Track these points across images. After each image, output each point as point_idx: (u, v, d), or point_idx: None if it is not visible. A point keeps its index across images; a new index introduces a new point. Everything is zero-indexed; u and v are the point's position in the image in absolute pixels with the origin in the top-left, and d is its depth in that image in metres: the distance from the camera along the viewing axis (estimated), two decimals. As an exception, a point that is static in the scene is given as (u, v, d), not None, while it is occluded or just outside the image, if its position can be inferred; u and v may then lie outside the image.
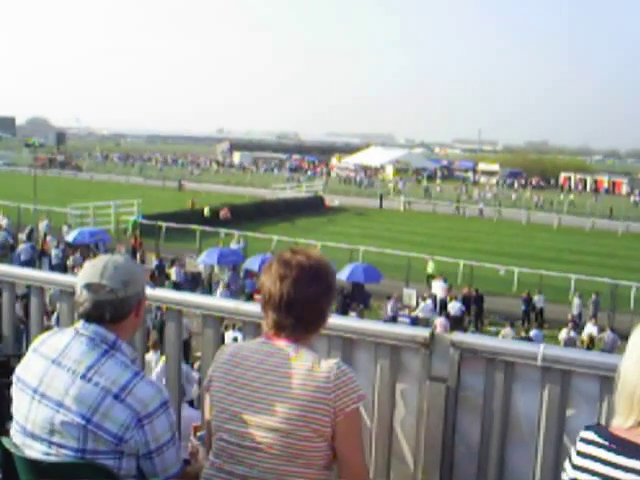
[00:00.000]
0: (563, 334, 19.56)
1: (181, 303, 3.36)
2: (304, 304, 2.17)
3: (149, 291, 2.75)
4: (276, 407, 2.09)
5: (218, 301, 3.48)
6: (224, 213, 41.12)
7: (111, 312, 2.14)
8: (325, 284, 2.23)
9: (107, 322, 2.14)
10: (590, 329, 20.27)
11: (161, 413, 2.06)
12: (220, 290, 21.26)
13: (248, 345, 2.30)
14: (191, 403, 9.46)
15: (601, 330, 20.23)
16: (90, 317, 2.14)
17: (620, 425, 1.75)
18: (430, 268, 27.48)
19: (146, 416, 2.03)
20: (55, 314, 10.76)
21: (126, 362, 2.11)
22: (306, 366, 2.12)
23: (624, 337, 18.84)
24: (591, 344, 19.48)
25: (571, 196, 70.14)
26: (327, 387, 2.08)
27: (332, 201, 56.26)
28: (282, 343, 2.19)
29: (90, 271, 2.17)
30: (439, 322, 19.79)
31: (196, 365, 11.53)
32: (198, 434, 2.64)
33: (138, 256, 26.52)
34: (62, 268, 23.38)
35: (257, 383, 2.15)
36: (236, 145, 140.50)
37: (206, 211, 41.05)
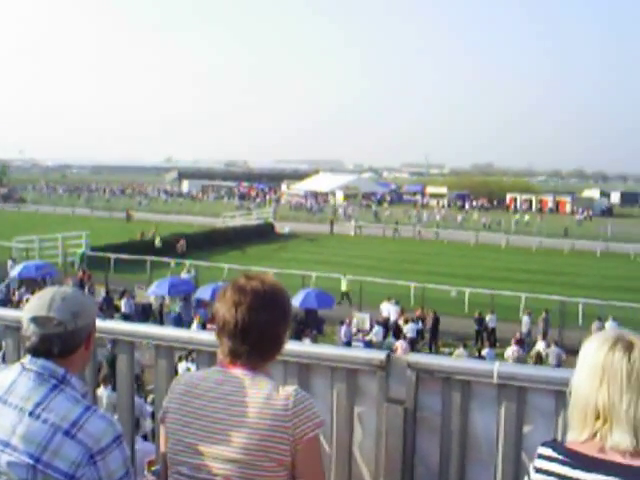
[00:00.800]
0: (508, 352, 19.82)
1: (133, 334, 3.29)
2: (260, 330, 2.13)
3: (100, 323, 2.69)
4: (234, 437, 2.05)
5: (171, 331, 3.41)
6: (180, 245, 40.30)
7: (60, 346, 2.07)
8: (281, 310, 2.20)
9: (56, 356, 2.06)
10: (539, 346, 20.62)
11: (114, 448, 1.99)
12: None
13: (203, 374, 2.24)
14: (145, 437, 9.28)
15: (548, 346, 20.63)
16: (38, 351, 2.06)
17: (575, 439, 1.77)
18: (343, 286, 28.14)
19: (98, 452, 1.96)
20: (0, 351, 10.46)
21: (76, 397, 2.04)
22: (263, 394, 2.08)
23: (574, 352, 19.22)
24: (539, 360, 19.79)
25: (526, 217, 71.68)
26: (286, 415, 2.04)
27: (282, 228, 56.26)
28: (238, 371, 2.14)
29: (37, 304, 2.10)
30: (399, 345, 19.87)
31: (149, 398, 11.33)
32: (152, 468, 2.56)
33: (86, 289, 26.02)
34: (7, 303, 22.77)
35: (213, 413, 2.10)
36: (184, 174, 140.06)
37: (157, 242, 40.38)
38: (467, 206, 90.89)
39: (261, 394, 2.08)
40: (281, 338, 2.22)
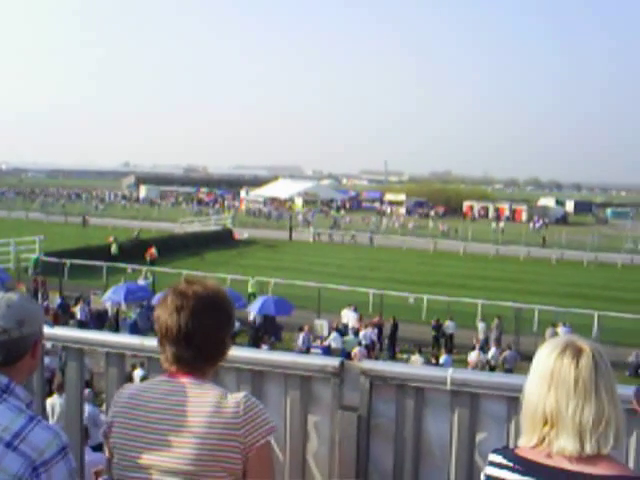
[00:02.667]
0: (472, 356, 20.10)
1: (82, 341, 3.22)
2: (204, 335, 2.08)
3: (48, 330, 2.61)
4: (183, 448, 1.99)
5: (122, 338, 3.35)
6: (151, 253, 38.72)
7: (4, 354, 2.00)
8: (224, 314, 2.16)
9: (-1, 364, 2.00)
10: (493, 352, 20.95)
11: (59, 460, 1.92)
12: None
13: (149, 385, 2.18)
14: (100, 446, 9.11)
15: (502, 351, 20.97)
16: (-20, 360, 2.00)
17: (525, 444, 1.78)
18: (250, 287, 28.48)
19: (42, 464, 1.88)
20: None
21: (20, 407, 1.97)
22: (212, 402, 2.03)
23: (529, 358, 19.54)
24: (493, 367, 20.13)
25: (501, 224, 72.65)
26: (236, 422, 2.00)
27: (241, 234, 56.05)
28: (185, 379, 2.09)
29: (-19, 311, 2.03)
30: (357, 351, 19.93)
31: (104, 407, 11.13)
32: (100, 478, 2.50)
33: (40, 295, 25.53)
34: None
35: (160, 424, 2.04)
36: (142, 179, 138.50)
37: (113, 248, 39.33)
38: (431, 213, 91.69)
39: (209, 402, 2.03)
40: (225, 342, 2.18)
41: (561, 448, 1.70)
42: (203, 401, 2.04)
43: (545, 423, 1.74)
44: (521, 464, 1.75)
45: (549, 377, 1.74)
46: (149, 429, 2.05)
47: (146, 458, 2.04)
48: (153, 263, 36.01)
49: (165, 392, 2.09)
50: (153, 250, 38.88)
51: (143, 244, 41.58)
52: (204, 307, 2.10)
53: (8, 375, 2.01)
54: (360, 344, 21.30)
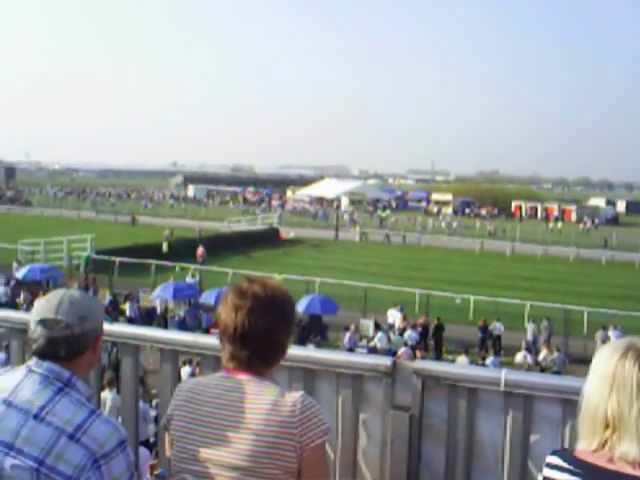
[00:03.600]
0: (519, 358, 19.85)
1: (138, 338, 3.28)
2: (259, 335, 2.11)
3: (106, 326, 2.68)
4: (239, 444, 2.02)
5: (175, 335, 3.39)
6: (201, 252, 39.68)
7: (66, 348, 2.06)
8: (281, 314, 2.17)
9: (62, 359, 2.05)
10: (544, 354, 20.63)
11: (119, 453, 1.98)
12: None
13: (208, 380, 2.22)
14: (147, 442, 9.25)
15: (550, 354, 20.65)
16: (44, 354, 2.05)
17: (585, 448, 1.75)
18: None
19: (103, 456, 1.94)
20: (4, 353, 10.45)
21: (81, 400, 2.03)
22: (269, 400, 2.05)
23: (578, 361, 19.23)
24: (543, 369, 19.81)
25: (559, 224, 71.80)
26: (292, 422, 2.02)
27: (288, 233, 56.25)
28: (243, 377, 2.12)
29: (45, 306, 2.09)
30: (403, 351, 19.86)
31: (154, 402, 11.31)
32: (155, 472, 2.55)
33: (91, 292, 26.04)
34: (11, 306, 22.78)
35: (218, 419, 2.08)
36: (190, 178, 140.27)
37: (164, 247, 40.01)
38: (476, 214, 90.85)
39: (267, 400, 2.05)
40: (282, 343, 2.20)
41: (624, 453, 1.67)
42: (260, 398, 2.06)
43: (606, 427, 1.71)
44: (581, 467, 1.72)
45: (611, 379, 1.71)
46: (207, 423, 2.09)
47: (203, 451, 2.08)
48: (203, 262, 36.56)
49: (223, 388, 2.13)
50: (201, 250, 39.47)
51: (191, 242, 42.18)
52: (261, 307, 2.12)
53: (70, 369, 2.07)
54: (406, 344, 21.20)
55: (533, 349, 21.82)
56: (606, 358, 1.76)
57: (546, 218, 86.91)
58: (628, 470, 1.66)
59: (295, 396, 2.08)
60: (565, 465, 1.75)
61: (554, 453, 1.82)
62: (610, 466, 1.68)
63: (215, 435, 2.07)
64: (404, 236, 57.60)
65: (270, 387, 2.10)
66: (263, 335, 2.11)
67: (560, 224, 73.16)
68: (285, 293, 2.23)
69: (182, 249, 40.10)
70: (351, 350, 20.10)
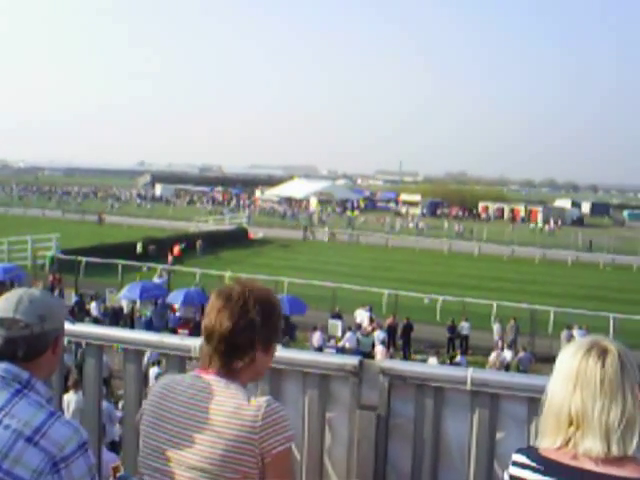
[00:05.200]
0: (492, 357, 20.06)
1: (102, 338, 3.22)
2: (237, 337, 2.08)
3: (68, 326, 2.62)
4: (199, 445, 1.99)
5: (140, 335, 3.35)
6: (177, 250, 39.89)
7: (25, 349, 2.00)
8: (260, 316, 2.12)
9: (20, 360, 2.00)
10: (506, 354, 20.86)
11: (79, 456, 1.92)
12: None
13: (180, 378, 2.20)
14: (113, 443, 9.14)
15: (516, 354, 20.89)
16: (1, 354, 1.99)
17: (549, 446, 1.76)
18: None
19: (62, 459, 1.88)
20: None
21: (40, 402, 1.97)
22: (234, 403, 2.02)
23: (544, 360, 19.45)
24: (507, 368, 20.04)
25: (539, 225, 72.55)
26: (254, 426, 1.98)
27: (256, 233, 56.12)
28: (211, 377, 2.09)
29: (3, 305, 2.03)
30: (379, 350, 19.92)
31: (120, 404, 11.18)
32: (118, 474, 2.50)
33: (56, 292, 25.68)
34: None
35: (182, 418, 2.06)
36: (158, 178, 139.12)
37: (138, 247, 39.56)
38: (446, 214, 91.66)
39: (231, 403, 2.02)
40: (261, 346, 2.15)
41: (587, 449, 1.68)
42: (226, 401, 2.03)
43: (570, 424, 1.72)
44: (546, 465, 1.73)
45: (574, 377, 1.72)
46: (172, 421, 2.07)
47: (165, 449, 2.06)
48: (177, 260, 36.78)
49: (192, 387, 2.11)
50: (178, 248, 39.87)
51: (165, 243, 42.11)
52: (239, 309, 2.09)
53: (29, 370, 2.01)
54: (374, 345, 21.26)
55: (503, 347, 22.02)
56: (570, 356, 1.76)
57: (513, 219, 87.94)
58: (591, 467, 1.67)
59: (260, 401, 2.03)
60: (530, 463, 1.76)
61: (520, 451, 1.83)
62: (574, 463, 1.69)
63: (177, 434, 2.05)
64: (372, 237, 57.78)
65: (236, 390, 2.07)
66: (240, 337, 2.09)
67: (542, 226, 74.20)
68: (268, 295, 2.19)
69: (156, 249, 39.83)
70: (319, 350, 20.11)
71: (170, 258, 37.44)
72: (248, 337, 2.12)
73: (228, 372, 2.10)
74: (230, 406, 2.02)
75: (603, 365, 1.71)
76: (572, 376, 1.73)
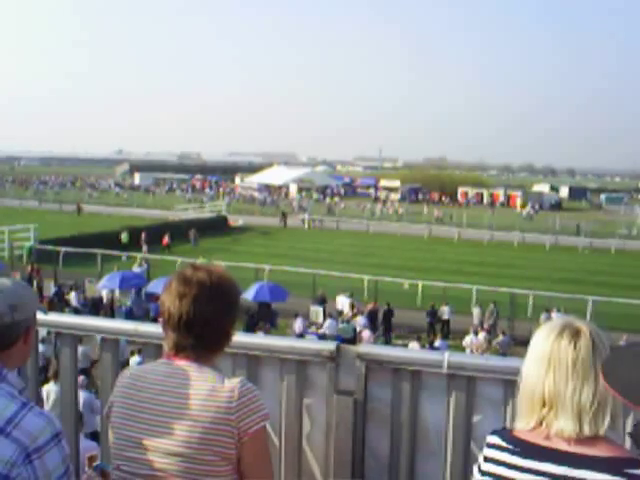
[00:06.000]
0: (467, 341, 20.23)
1: (76, 327, 3.20)
2: (204, 323, 2.07)
3: (42, 316, 2.58)
4: (176, 430, 2.00)
5: (116, 323, 3.32)
6: (166, 239, 39.89)
7: (-5, 339, 1.98)
8: (227, 302, 2.13)
9: (-9, 350, 1.98)
10: (482, 336, 21.06)
11: (52, 446, 1.90)
12: None
13: (149, 367, 2.19)
14: (94, 433, 9.10)
15: (496, 336, 21.07)
16: (-29, 345, 1.97)
17: (523, 427, 1.77)
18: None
19: (35, 450, 1.86)
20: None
21: (12, 393, 1.95)
22: (208, 386, 2.03)
23: (523, 343, 19.63)
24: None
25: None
26: (229, 407, 1.99)
27: (236, 221, 55.97)
28: (182, 363, 2.09)
29: (-27, 295, 2.00)
30: (365, 335, 19.99)
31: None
32: (94, 464, 2.49)
33: (35, 283, 25.48)
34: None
35: (156, 406, 2.05)
36: (136, 166, 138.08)
37: (123, 237, 39.17)
38: (420, 199, 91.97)
39: (205, 386, 2.03)
40: (227, 331, 2.16)
41: (560, 429, 1.70)
42: (199, 384, 2.04)
43: (543, 405, 1.73)
44: (519, 446, 1.74)
45: (547, 359, 1.73)
46: (145, 409, 2.07)
47: (141, 438, 2.05)
48: (168, 249, 37.30)
49: (163, 374, 2.10)
50: (167, 238, 40.12)
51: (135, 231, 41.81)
52: (206, 294, 2.08)
53: (0, 361, 1.99)
54: (355, 330, 21.33)
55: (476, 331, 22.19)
56: (543, 338, 1.77)
57: (492, 204, 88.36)
58: (564, 446, 1.69)
59: (233, 382, 2.05)
60: (504, 444, 1.77)
61: (494, 433, 1.84)
62: (546, 443, 1.71)
63: (153, 421, 2.04)
64: (351, 223, 57.82)
65: (210, 374, 2.07)
66: (208, 323, 2.08)
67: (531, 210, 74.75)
68: (230, 279, 2.19)
69: (137, 239, 39.44)
70: (301, 337, 20.15)
71: (145, 247, 37.28)
72: (222, 323, 2.13)
73: (199, 356, 2.09)
74: (204, 389, 2.02)
75: (575, 346, 1.72)
76: (545, 357, 1.74)
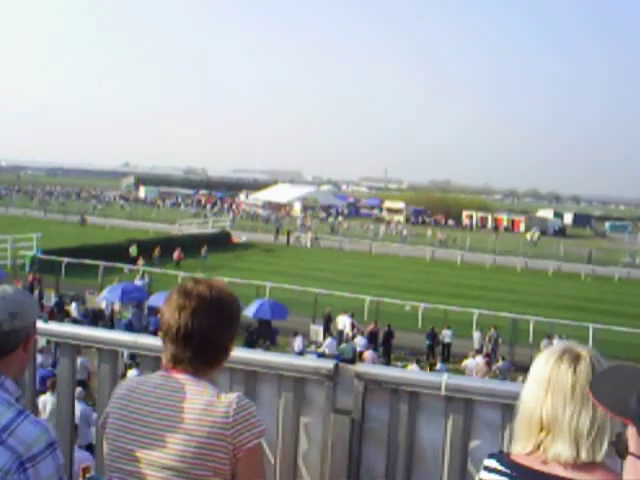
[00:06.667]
0: (466, 363, 20.20)
1: (75, 337, 3.19)
2: (203, 337, 2.06)
3: (42, 325, 2.58)
4: (170, 444, 1.98)
5: (115, 335, 3.32)
6: (178, 254, 39.97)
7: (-6, 346, 1.98)
8: (226, 316, 2.12)
9: (-11, 357, 1.97)
10: (478, 360, 20.96)
11: (47, 455, 1.89)
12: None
13: (146, 379, 2.18)
14: (90, 446, 9.05)
15: (496, 361, 20.98)
16: (-30, 352, 1.97)
17: (520, 451, 1.77)
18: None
19: (29, 459, 1.85)
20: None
21: (9, 400, 1.94)
22: (204, 400, 2.02)
23: (524, 369, 19.55)
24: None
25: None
26: (226, 423, 1.98)
27: (239, 237, 55.98)
28: (180, 376, 2.08)
29: (-27, 303, 2.00)
30: (368, 354, 19.92)
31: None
32: (87, 475, 2.48)
33: (36, 292, 25.47)
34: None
35: (152, 419, 2.04)
36: (142, 180, 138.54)
37: (132, 250, 38.75)
38: (425, 221, 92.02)
39: (201, 400, 2.02)
40: (226, 345, 2.15)
41: (557, 454, 1.69)
42: (196, 398, 2.03)
43: (541, 429, 1.72)
44: (516, 470, 1.73)
45: (546, 383, 1.73)
46: (141, 422, 2.05)
47: (136, 450, 2.03)
48: (178, 264, 37.66)
49: (160, 387, 2.09)
50: (178, 252, 40.25)
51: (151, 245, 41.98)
52: (206, 308, 2.07)
53: (-2, 368, 1.99)
54: (355, 351, 21.26)
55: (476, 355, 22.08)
56: (543, 362, 1.77)
57: (496, 228, 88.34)
58: (560, 472, 1.68)
59: (231, 397, 2.04)
60: (501, 468, 1.76)
61: (491, 456, 1.83)
62: (543, 468, 1.70)
63: (147, 434, 2.03)
64: (354, 243, 57.80)
65: (207, 388, 2.06)
66: (207, 336, 2.07)
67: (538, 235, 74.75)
68: (231, 294, 2.18)
69: (146, 252, 39.33)
70: (300, 355, 20.08)
71: (141, 260, 37.13)
72: (220, 337, 2.12)
73: (196, 370, 2.09)
74: (201, 403, 2.01)
75: (575, 371, 1.71)
76: (544, 381, 1.73)
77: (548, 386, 1.72)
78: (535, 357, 1.85)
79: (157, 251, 39.71)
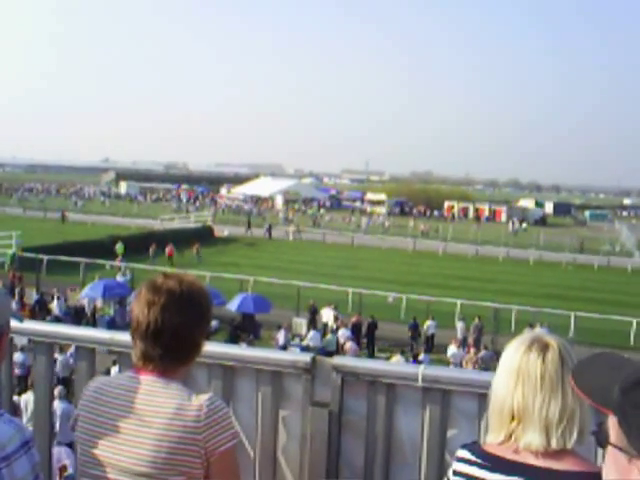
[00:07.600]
0: (452, 351, 20.32)
1: (51, 335, 3.17)
2: (172, 333, 2.00)
3: (17, 324, 2.56)
4: (140, 449, 1.93)
5: (92, 332, 3.29)
6: (169, 249, 39.69)
7: (-33, 346, 1.96)
8: (197, 311, 2.06)
9: (-38, 357, 1.96)
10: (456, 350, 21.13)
11: (22, 454, 1.87)
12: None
13: (115, 380, 2.12)
14: (72, 444, 9.00)
15: (478, 350, 21.13)
16: (-58, 352, 1.95)
17: (493, 441, 1.78)
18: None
19: (4, 458, 1.83)
20: None
21: (-18, 400, 1.94)
22: (175, 404, 1.96)
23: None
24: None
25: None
26: (197, 427, 1.93)
27: (221, 231, 55.82)
28: (150, 378, 2.02)
29: (-56, 301, 1.99)
30: (349, 346, 19.96)
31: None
32: (65, 474, 2.46)
33: (17, 291, 25.28)
34: None
35: (120, 422, 1.98)
36: (122, 175, 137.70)
37: (118, 247, 38.09)
38: (406, 212, 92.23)
39: (172, 404, 1.96)
40: (197, 341, 2.09)
41: (527, 443, 1.70)
42: (166, 401, 1.97)
43: (512, 418, 1.74)
44: (488, 460, 1.75)
45: (516, 373, 1.74)
46: (109, 425, 2.00)
47: (104, 455, 1.99)
48: (170, 259, 37.81)
49: (129, 389, 2.03)
50: (169, 248, 39.96)
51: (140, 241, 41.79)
52: (175, 304, 2.02)
53: (-30, 368, 1.97)
54: (338, 343, 21.31)
55: (464, 345, 22.24)
56: (512, 352, 1.79)
57: (477, 218, 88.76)
58: (531, 460, 1.70)
59: (201, 399, 1.98)
60: (473, 458, 1.78)
61: (464, 447, 1.84)
62: (515, 457, 1.71)
63: (116, 439, 1.98)
64: (336, 235, 57.83)
65: (177, 390, 2.00)
66: (177, 332, 2.01)
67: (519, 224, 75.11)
68: (201, 289, 2.13)
69: (132, 248, 39.03)
70: (284, 348, 20.09)
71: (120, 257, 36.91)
72: (191, 333, 2.07)
73: (167, 368, 2.03)
74: (171, 407, 1.96)
75: (544, 360, 1.73)
76: (514, 371, 1.75)
77: (518, 376, 1.74)
78: (507, 345, 1.86)
79: (152, 248, 38.99)
